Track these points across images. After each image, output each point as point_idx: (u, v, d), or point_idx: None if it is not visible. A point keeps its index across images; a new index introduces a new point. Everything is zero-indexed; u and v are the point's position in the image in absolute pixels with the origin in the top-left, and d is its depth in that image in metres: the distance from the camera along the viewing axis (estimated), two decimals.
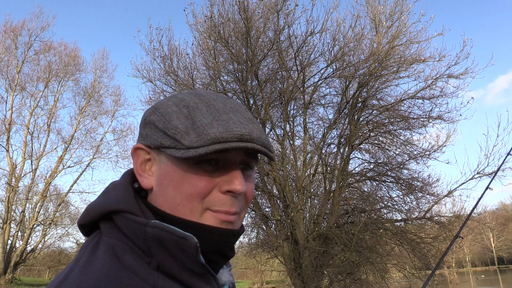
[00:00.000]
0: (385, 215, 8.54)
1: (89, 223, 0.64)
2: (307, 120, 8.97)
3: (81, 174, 22.86)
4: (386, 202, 8.56)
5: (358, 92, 8.56)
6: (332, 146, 9.13)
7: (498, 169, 3.52)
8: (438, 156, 8.68)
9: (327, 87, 9.42)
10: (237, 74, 8.66)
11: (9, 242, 20.92)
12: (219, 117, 0.61)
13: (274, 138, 8.58)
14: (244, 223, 0.73)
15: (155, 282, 0.55)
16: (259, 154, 0.66)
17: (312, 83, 8.99)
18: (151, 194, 0.66)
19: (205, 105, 0.63)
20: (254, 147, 0.60)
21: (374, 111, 8.91)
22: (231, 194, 0.62)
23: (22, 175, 21.48)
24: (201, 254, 0.59)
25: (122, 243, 0.58)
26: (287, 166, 8.28)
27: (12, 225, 21.03)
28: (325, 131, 8.96)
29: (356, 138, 8.58)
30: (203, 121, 0.60)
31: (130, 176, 0.69)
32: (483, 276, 43.39)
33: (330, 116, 9.43)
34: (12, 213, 20.82)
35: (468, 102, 8.44)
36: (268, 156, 0.63)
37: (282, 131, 8.65)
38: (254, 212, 8.45)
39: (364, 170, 9.03)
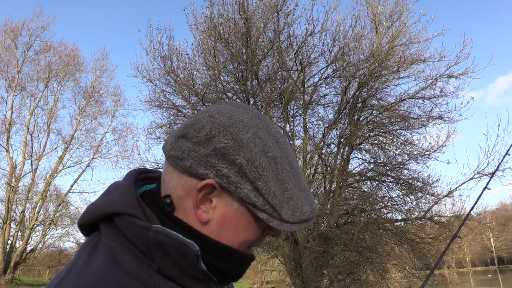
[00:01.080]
0: (385, 215, 8.55)
1: (89, 223, 0.64)
2: (307, 120, 8.98)
3: (81, 174, 22.87)
4: (386, 202, 8.57)
5: (358, 92, 8.56)
6: (332, 146, 9.15)
7: (496, 169, 3.53)
8: (438, 156, 8.69)
9: (327, 87, 9.44)
10: (237, 74, 8.67)
11: (9, 242, 20.92)
12: (300, 186, 0.65)
13: None
14: None
15: (155, 285, 0.55)
16: None
17: (312, 83, 9.01)
18: (203, 226, 0.63)
19: (287, 162, 0.65)
20: (309, 224, 0.67)
21: (374, 111, 8.92)
22: (271, 236, 0.68)
23: (22, 175, 21.49)
24: (202, 261, 0.59)
25: (121, 246, 0.58)
26: None
27: (12, 225, 21.04)
28: (325, 131, 8.97)
29: (356, 138, 8.58)
30: (294, 192, 0.63)
31: (134, 178, 0.68)
32: (489, 275, 43.32)
33: (330, 116, 9.45)
34: (12, 213, 20.82)
35: (468, 102, 8.45)
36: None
37: (282, 131, 8.66)
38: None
39: (364, 170, 9.04)
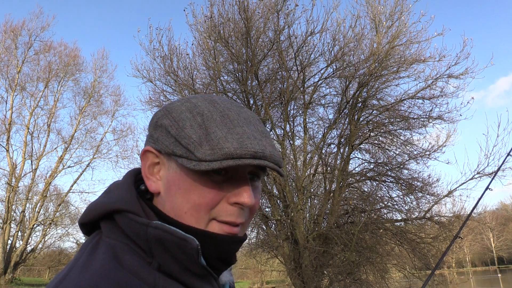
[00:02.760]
0: (385, 215, 8.54)
1: (90, 222, 0.64)
2: (307, 120, 8.97)
3: (81, 174, 22.86)
4: (386, 202, 8.56)
5: (358, 92, 8.56)
6: (332, 146, 9.14)
7: (498, 170, 3.52)
8: (438, 156, 8.69)
9: (327, 87, 9.43)
10: (237, 74, 8.66)
11: (9, 242, 20.92)
12: (233, 129, 0.61)
13: (274, 138, 8.58)
14: None
15: (155, 282, 0.56)
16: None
17: (312, 83, 9.00)
18: (158, 198, 0.65)
19: (220, 114, 0.62)
20: (267, 164, 0.60)
21: (374, 111, 8.91)
22: (239, 206, 0.62)
23: (22, 175, 21.48)
24: (202, 257, 0.59)
25: (122, 244, 0.58)
26: (287, 166, 8.28)
27: (12, 225, 21.04)
28: (325, 131, 8.97)
29: (356, 138, 8.58)
30: (217, 133, 0.60)
31: (133, 176, 0.69)
32: (498, 275, 43.22)
33: (330, 116, 9.44)
34: (12, 213, 20.82)
35: (468, 102, 8.45)
36: (280, 173, 0.63)
37: (282, 131, 8.66)
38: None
39: (364, 170, 9.03)
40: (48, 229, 23.27)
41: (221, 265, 0.65)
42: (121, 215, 0.60)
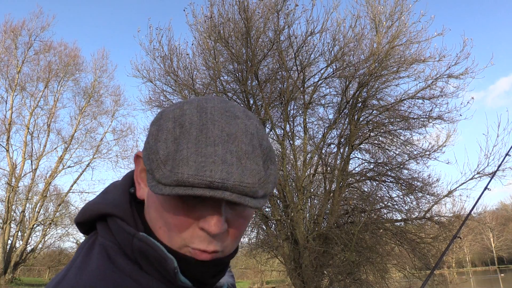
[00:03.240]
0: (385, 215, 8.55)
1: (86, 222, 0.65)
2: (307, 120, 8.98)
3: (81, 174, 22.84)
4: (386, 202, 8.57)
5: (358, 92, 8.56)
6: (332, 146, 9.14)
7: (497, 170, 3.52)
8: (438, 156, 8.70)
9: (327, 87, 9.43)
10: (237, 74, 8.66)
11: (9, 242, 20.92)
12: (202, 150, 0.52)
13: (274, 138, 8.59)
14: None
15: (148, 284, 0.56)
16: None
17: (312, 83, 9.01)
18: (145, 204, 0.63)
19: (198, 128, 0.54)
20: (224, 197, 0.51)
21: (374, 111, 8.92)
22: (207, 233, 0.56)
23: (22, 175, 21.47)
24: (180, 274, 0.57)
25: (115, 246, 0.59)
26: (287, 166, 8.28)
27: (12, 225, 21.03)
28: (325, 131, 8.97)
29: (356, 138, 8.58)
30: (183, 153, 0.52)
31: (130, 179, 0.68)
32: (502, 274, 43.15)
33: (330, 116, 9.45)
34: (12, 213, 20.81)
35: (468, 102, 8.46)
36: (247, 206, 0.53)
37: (282, 131, 8.66)
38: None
39: (364, 170, 9.03)
40: (48, 229, 23.27)
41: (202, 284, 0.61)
42: (112, 219, 0.61)
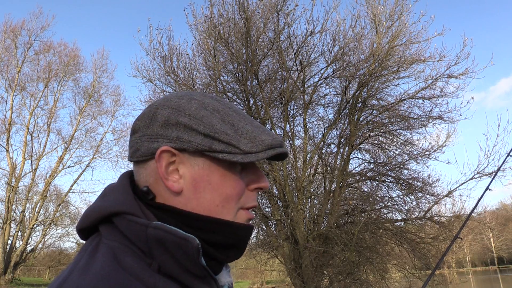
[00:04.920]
0: (385, 215, 8.55)
1: (88, 227, 0.64)
2: (307, 120, 8.97)
3: (81, 174, 22.87)
4: (386, 202, 8.56)
5: (358, 92, 8.56)
6: (332, 146, 9.14)
7: (498, 170, 3.52)
8: (438, 156, 8.69)
9: (327, 87, 9.42)
10: (237, 74, 8.66)
11: (9, 242, 20.92)
12: (252, 123, 0.67)
13: None
14: None
15: (155, 284, 0.55)
16: None
17: (312, 83, 9.00)
18: (179, 197, 0.63)
19: (231, 110, 0.67)
20: (287, 152, 0.67)
21: (374, 111, 8.91)
22: (258, 191, 0.68)
23: (22, 175, 21.49)
24: (202, 256, 0.59)
25: (122, 246, 0.58)
26: (287, 166, 8.28)
27: (12, 225, 21.04)
28: (325, 131, 8.97)
29: (356, 138, 8.58)
30: (246, 128, 0.65)
31: (128, 179, 0.68)
32: (491, 276, 43.20)
33: (330, 116, 9.44)
34: (12, 213, 20.82)
35: (468, 102, 8.45)
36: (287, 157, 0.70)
37: (282, 131, 8.66)
38: (254, 212, 8.43)
39: (364, 170, 9.03)
40: (48, 229, 23.27)
41: (233, 253, 0.66)
42: (119, 217, 0.60)
